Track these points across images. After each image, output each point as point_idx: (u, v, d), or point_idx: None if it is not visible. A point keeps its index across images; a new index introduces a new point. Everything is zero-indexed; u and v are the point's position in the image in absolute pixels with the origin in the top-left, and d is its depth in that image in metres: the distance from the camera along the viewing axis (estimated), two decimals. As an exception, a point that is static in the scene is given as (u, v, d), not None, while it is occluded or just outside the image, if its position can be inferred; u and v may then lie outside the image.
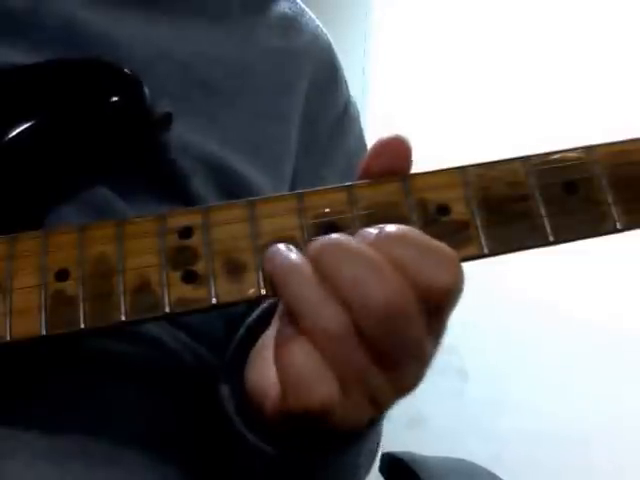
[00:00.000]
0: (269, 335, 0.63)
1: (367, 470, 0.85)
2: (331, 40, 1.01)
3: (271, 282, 0.59)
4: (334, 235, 0.57)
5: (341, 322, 0.56)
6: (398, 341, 0.57)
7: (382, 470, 1.07)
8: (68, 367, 0.72)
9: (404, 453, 1.06)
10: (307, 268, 0.57)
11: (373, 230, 0.58)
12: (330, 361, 0.56)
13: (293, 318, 0.57)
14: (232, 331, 0.76)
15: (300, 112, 0.92)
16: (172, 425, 0.77)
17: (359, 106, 1.04)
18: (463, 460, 1.14)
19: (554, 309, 2.44)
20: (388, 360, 0.58)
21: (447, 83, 2.63)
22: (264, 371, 0.61)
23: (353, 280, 0.55)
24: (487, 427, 2.40)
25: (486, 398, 2.39)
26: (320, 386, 0.56)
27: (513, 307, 2.47)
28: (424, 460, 1.07)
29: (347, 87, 1.01)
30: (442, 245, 0.57)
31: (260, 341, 0.65)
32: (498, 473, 1.08)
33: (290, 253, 0.58)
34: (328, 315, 0.56)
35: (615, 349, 2.39)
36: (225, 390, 0.70)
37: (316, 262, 0.57)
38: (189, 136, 0.81)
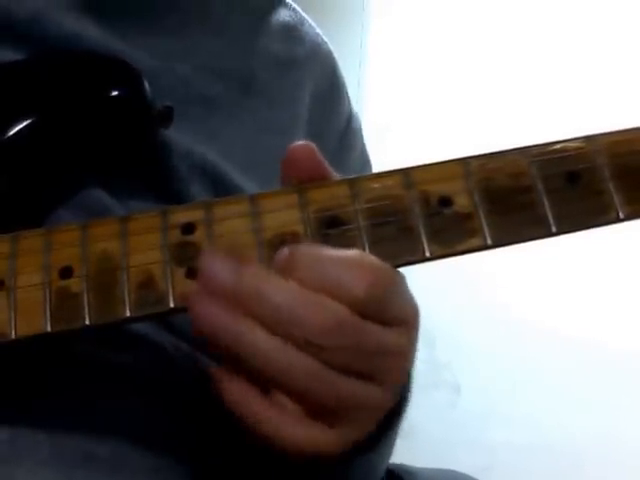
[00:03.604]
0: None
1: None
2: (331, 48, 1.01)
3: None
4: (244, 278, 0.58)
5: (307, 364, 0.57)
6: (358, 351, 0.58)
7: (374, 482, 1.06)
8: (70, 375, 0.72)
9: (396, 465, 1.06)
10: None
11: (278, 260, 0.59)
12: (306, 400, 0.59)
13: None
14: None
15: (304, 126, 0.92)
16: (175, 430, 0.77)
17: (362, 117, 1.04)
18: (455, 471, 1.14)
19: (544, 325, 2.44)
20: (362, 370, 0.59)
21: (443, 94, 2.63)
22: None
23: (288, 318, 0.57)
24: (479, 439, 2.40)
25: (478, 411, 2.40)
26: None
27: (505, 324, 2.47)
28: (416, 472, 1.07)
29: (349, 98, 1.01)
30: (345, 253, 0.59)
31: None
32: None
33: (224, 312, 0.58)
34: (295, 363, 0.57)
35: (605, 363, 2.40)
36: None
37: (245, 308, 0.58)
38: (189, 145, 0.81)
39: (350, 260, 0.59)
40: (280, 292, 0.57)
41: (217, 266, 0.59)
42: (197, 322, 0.59)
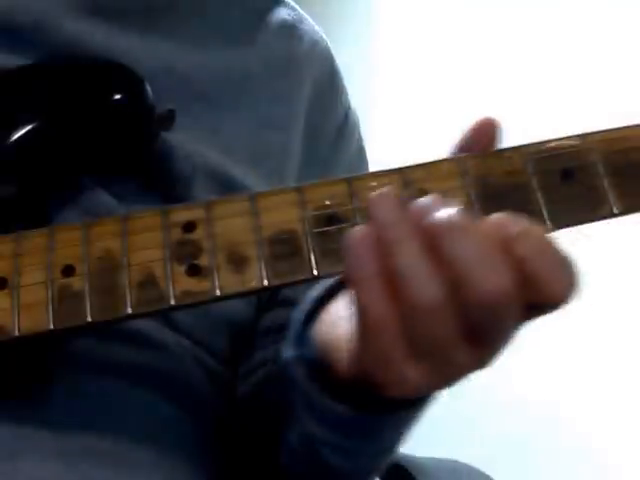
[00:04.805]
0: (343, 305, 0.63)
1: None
2: (330, 45, 1.01)
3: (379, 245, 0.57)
4: (455, 214, 0.56)
5: (439, 296, 0.56)
6: (493, 325, 0.57)
7: (378, 471, 1.07)
8: (72, 372, 0.73)
9: (400, 455, 1.06)
10: (417, 238, 0.56)
11: (503, 222, 0.57)
12: (416, 332, 0.57)
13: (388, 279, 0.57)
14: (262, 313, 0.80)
15: (302, 121, 0.93)
16: (177, 425, 0.78)
17: (363, 116, 1.05)
18: (458, 462, 1.15)
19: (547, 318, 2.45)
20: (478, 338, 0.58)
21: (452, 94, 2.63)
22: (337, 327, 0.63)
23: (469, 266, 0.55)
24: (482, 430, 2.41)
25: (482, 401, 2.39)
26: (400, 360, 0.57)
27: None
28: (420, 462, 1.07)
29: (347, 94, 1.02)
30: (569, 261, 0.57)
31: (334, 308, 0.66)
32: (492, 475, 1.08)
33: (400, 222, 0.57)
34: (429, 289, 0.56)
35: (614, 353, 2.40)
36: (290, 356, 0.69)
37: (434, 236, 0.56)
38: (191, 146, 0.82)
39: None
40: (473, 242, 0.56)
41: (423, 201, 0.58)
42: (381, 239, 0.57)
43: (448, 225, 0.56)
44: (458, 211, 0.56)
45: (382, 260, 0.57)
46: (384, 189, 0.59)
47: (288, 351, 0.70)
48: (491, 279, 0.55)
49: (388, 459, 0.79)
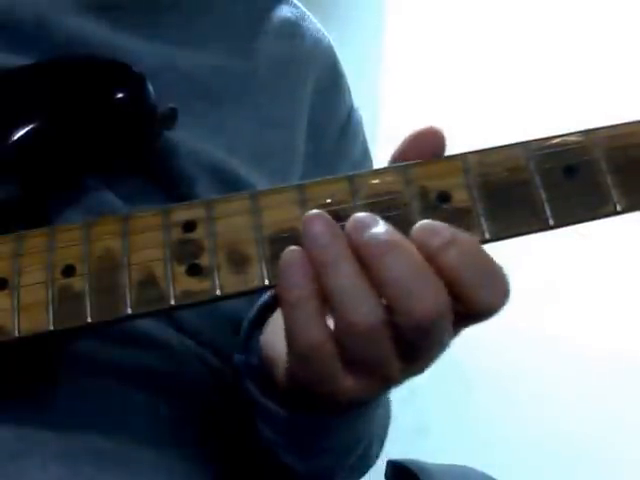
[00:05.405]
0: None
1: (382, 441, 0.86)
2: (337, 44, 1.01)
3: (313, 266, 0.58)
4: (386, 232, 0.57)
5: (376, 318, 0.56)
6: (427, 343, 0.58)
7: (387, 477, 1.07)
8: (75, 372, 0.73)
9: (409, 461, 1.06)
10: (351, 259, 0.57)
11: (437, 237, 0.57)
12: (350, 352, 0.58)
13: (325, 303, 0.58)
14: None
15: (305, 120, 0.93)
16: (180, 426, 0.78)
17: (373, 115, 1.04)
18: (467, 467, 1.14)
19: (554, 322, 2.44)
20: (411, 355, 0.59)
21: (461, 93, 2.63)
22: (275, 343, 0.63)
23: (400, 286, 0.56)
24: (491, 436, 2.40)
25: (490, 408, 2.39)
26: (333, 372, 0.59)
27: (515, 321, 2.47)
28: (429, 468, 1.07)
29: (350, 93, 1.01)
30: (498, 268, 0.58)
31: (275, 315, 0.67)
32: (503, 481, 1.08)
33: (334, 244, 0.57)
34: (365, 311, 0.56)
35: (615, 360, 2.39)
36: (240, 362, 0.72)
37: (366, 257, 0.57)
38: (195, 144, 0.82)
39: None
40: (405, 262, 0.56)
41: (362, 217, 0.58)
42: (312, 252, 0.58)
43: (379, 245, 0.57)
44: (389, 230, 0.57)
45: (315, 282, 0.57)
46: (316, 210, 0.59)
47: (238, 354, 0.73)
48: (423, 301, 0.56)
49: (355, 461, 0.80)
